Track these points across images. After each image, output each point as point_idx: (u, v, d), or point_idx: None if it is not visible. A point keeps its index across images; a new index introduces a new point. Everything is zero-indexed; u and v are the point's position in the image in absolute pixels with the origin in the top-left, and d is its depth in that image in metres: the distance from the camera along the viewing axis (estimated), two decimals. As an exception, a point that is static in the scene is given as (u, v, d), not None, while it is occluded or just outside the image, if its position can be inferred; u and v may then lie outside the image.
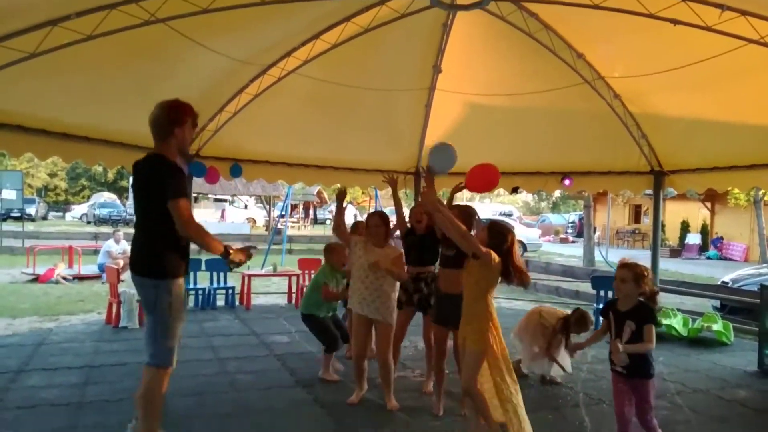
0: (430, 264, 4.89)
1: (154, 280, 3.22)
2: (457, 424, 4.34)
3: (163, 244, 3.22)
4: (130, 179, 35.05)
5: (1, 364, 5.44)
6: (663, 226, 22.96)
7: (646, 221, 29.09)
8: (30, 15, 4.48)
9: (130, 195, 35.99)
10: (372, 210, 27.12)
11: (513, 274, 3.70)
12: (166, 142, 3.33)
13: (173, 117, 3.37)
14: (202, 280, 8.95)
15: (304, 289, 9.41)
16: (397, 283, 4.60)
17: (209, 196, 31.16)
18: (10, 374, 5.15)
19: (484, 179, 4.60)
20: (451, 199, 5.20)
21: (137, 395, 3.30)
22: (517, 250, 3.83)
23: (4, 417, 4.16)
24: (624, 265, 3.71)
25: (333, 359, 5.39)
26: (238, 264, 3.34)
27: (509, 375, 3.74)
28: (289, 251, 18.63)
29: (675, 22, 5.11)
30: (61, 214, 41.46)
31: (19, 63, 4.79)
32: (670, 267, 17.99)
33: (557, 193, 26.19)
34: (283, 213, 18.26)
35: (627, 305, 3.62)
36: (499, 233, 3.74)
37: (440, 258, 4.58)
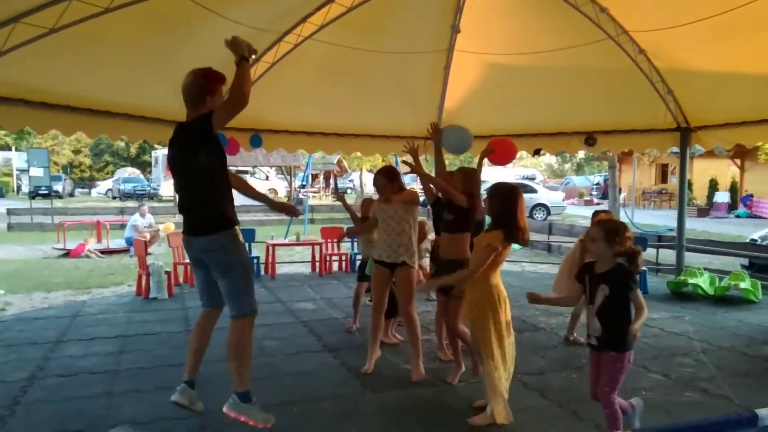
0: None
1: (220, 234, 3.33)
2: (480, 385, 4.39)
3: (218, 198, 3.36)
4: (154, 153, 35.33)
5: (40, 335, 5.65)
6: (690, 184, 22.56)
7: (673, 181, 28.57)
8: (47, -11, 4.50)
9: (153, 169, 36.51)
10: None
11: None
12: (198, 111, 3.36)
13: (206, 85, 3.40)
14: (228, 250, 9.08)
15: (329, 258, 9.58)
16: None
17: (230, 168, 31.27)
18: (50, 344, 5.35)
19: (500, 153, 4.77)
20: (480, 163, 5.11)
21: (230, 347, 3.44)
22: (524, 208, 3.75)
23: (47, 384, 4.34)
24: (596, 222, 3.45)
25: (393, 325, 5.53)
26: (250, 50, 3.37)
27: (501, 356, 3.66)
28: (311, 221, 18.75)
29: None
30: (86, 190, 42.30)
31: (40, 39, 4.82)
32: (697, 226, 17.73)
33: (581, 154, 25.75)
34: (304, 183, 18.33)
35: (603, 267, 3.20)
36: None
37: (441, 223, 4.45)
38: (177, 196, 3.59)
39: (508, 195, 3.69)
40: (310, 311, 6.80)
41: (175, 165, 3.47)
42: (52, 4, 4.61)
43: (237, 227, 3.45)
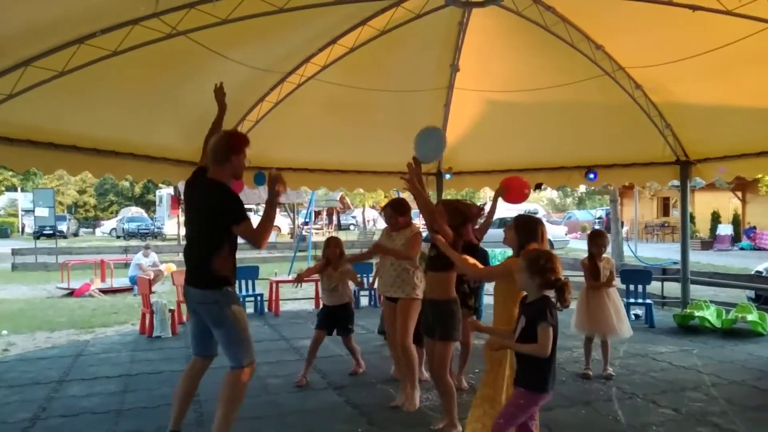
0: None
1: (214, 291, 3.46)
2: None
3: (218, 257, 3.46)
4: (158, 192, 35.60)
5: (43, 375, 5.61)
6: (692, 217, 22.57)
7: (675, 214, 28.58)
8: (58, 34, 4.63)
9: (157, 208, 36.71)
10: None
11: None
12: (222, 167, 3.54)
13: (233, 145, 3.59)
14: (231, 287, 9.07)
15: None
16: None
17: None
18: (53, 384, 5.30)
19: (514, 191, 4.81)
20: (494, 203, 5.26)
21: (222, 394, 3.52)
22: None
23: (50, 425, 4.30)
24: (522, 252, 3.25)
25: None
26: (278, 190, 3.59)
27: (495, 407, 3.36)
28: (315, 257, 18.75)
29: (694, 8, 5.05)
30: (91, 229, 42.48)
31: (50, 81, 4.95)
32: (701, 259, 17.67)
33: (582, 189, 25.89)
34: (307, 220, 18.41)
35: (529, 298, 3.07)
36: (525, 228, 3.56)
37: (425, 260, 4.30)
38: (185, 236, 3.75)
39: (529, 225, 3.58)
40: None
41: (190, 209, 3.71)
42: (62, 48, 4.75)
43: (231, 288, 3.58)
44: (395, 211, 4.77)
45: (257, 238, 3.44)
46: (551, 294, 3.02)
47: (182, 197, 3.78)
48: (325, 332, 5.44)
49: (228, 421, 3.46)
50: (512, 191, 5.01)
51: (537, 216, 3.96)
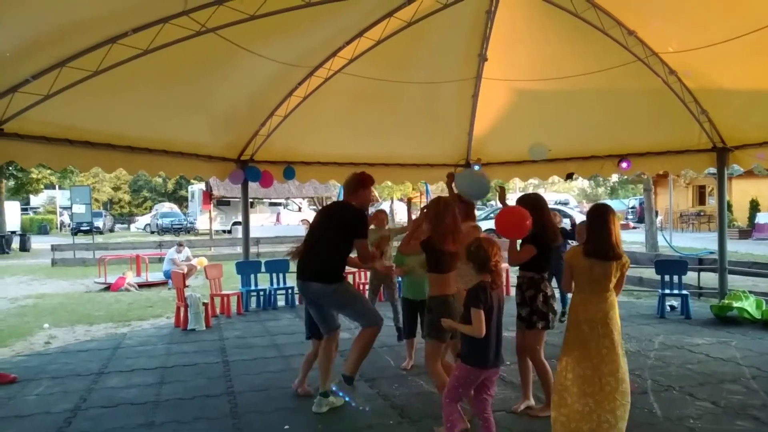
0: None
1: (334, 284, 4.32)
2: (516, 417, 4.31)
3: (340, 258, 4.44)
4: (190, 188, 36.02)
5: (83, 367, 5.77)
6: (730, 206, 21.92)
7: (712, 202, 27.84)
8: (91, 34, 4.74)
9: (190, 203, 37.33)
10: (423, 205, 26.99)
11: None
12: (353, 197, 4.56)
13: (361, 182, 4.59)
14: (263, 281, 9.19)
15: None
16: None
17: (264, 200, 31.86)
18: (92, 376, 5.46)
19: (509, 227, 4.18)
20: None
21: (356, 341, 4.43)
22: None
23: (90, 415, 4.43)
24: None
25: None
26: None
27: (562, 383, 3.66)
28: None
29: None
30: (126, 225, 43.45)
31: (84, 81, 5.07)
32: (740, 248, 17.17)
33: (614, 178, 25.38)
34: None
35: (471, 284, 3.40)
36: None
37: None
38: (306, 241, 4.56)
39: (591, 212, 3.79)
40: (346, 340, 6.71)
41: (320, 221, 4.60)
42: (95, 48, 4.86)
43: (345, 280, 4.53)
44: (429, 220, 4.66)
45: (365, 256, 4.48)
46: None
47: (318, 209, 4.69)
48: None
49: (359, 360, 4.36)
50: (510, 229, 4.17)
51: (607, 205, 3.92)
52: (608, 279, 3.55)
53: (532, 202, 4.23)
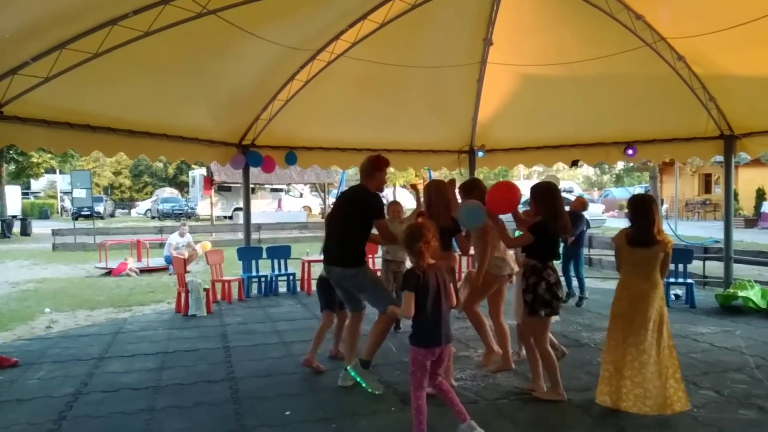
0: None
1: (355, 268, 4.52)
2: (519, 402, 4.29)
3: (359, 243, 4.58)
4: (191, 173, 36.00)
5: (84, 352, 5.76)
6: (736, 194, 21.79)
7: (718, 191, 27.71)
8: (91, 16, 4.66)
9: (191, 189, 37.30)
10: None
11: None
12: (369, 180, 4.67)
13: (376, 165, 4.70)
14: (264, 267, 9.16)
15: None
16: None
17: (266, 186, 31.80)
18: (93, 361, 5.45)
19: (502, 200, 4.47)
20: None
21: (372, 328, 4.60)
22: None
23: (92, 399, 4.42)
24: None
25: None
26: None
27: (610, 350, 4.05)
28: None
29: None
30: (126, 210, 43.49)
31: (85, 63, 5.00)
32: (745, 237, 17.11)
33: (620, 165, 25.18)
34: (338, 199, 18.38)
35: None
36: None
37: None
38: (327, 228, 4.89)
39: (633, 203, 4.14)
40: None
41: (340, 207, 4.82)
42: (95, 30, 4.78)
43: (366, 264, 4.67)
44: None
45: (387, 236, 4.69)
46: None
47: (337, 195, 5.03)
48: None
49: (375, 345, 4.55)
50: (497, 204, 4.50)
51: (649, 195, 4.45)
52: (650, 263, 3.96)
53: (541, 190, 4.33)
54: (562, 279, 8.27)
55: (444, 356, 3.61)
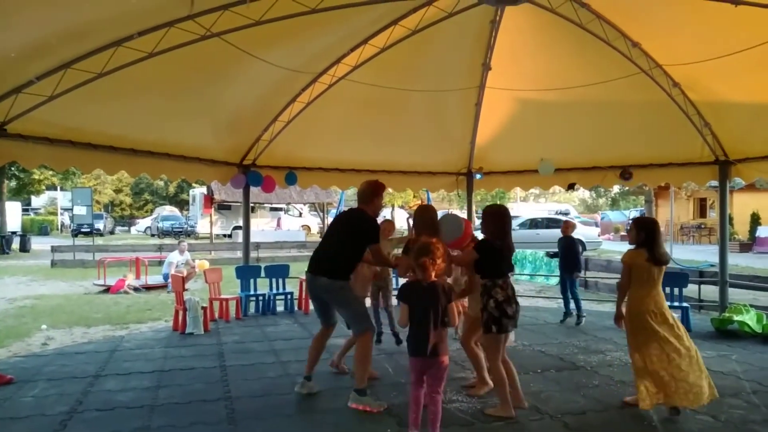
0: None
1: (342, 281, 4.67)
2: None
3: (352, 261, 4.77)
4: (191, 192, 36.14)
5: (80, 370, 5.75)
6: (731, 219, 21.85)
7: (713, 215, 27.80)
8: (97, 36, 4.75)
9: (191, 207, 37.39)
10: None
11: None
12: (367, 205, 4.86)
13: (374, 191, 4.89)
14: (262, 286, 9.17)
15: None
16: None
17: (265, 205, 31.89)
18: (89, 378, 5.43)
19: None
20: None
21: (354, 356, 4.77)
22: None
23: (86, 418, 4.40)
24: None
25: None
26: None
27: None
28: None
29: (736, 2, 4.89)
30: (126, 228, 43.51)
31: (89, 83, 5.08)
32: (740, 262, 17.15)
33: (616, 189, 25.34)
34: (337, 219, 18.42)
35: None
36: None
37: None
38: (321, 242, 5.07)
39: (648, 226, 4.54)
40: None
41: (337, 226, 5.01)
42: (99, 51, 4.87)
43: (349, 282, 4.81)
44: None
45: (380, 259, 4.85)
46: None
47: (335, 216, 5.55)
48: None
49: (362, 374, 4.61)
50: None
51: (652, 218, 5.01)
52: (660, 278, 4.44)
53: (491, 211, 4.65)
54: (560, 301, 8.40)
55: (439, 370, 3.74)
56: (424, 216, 4.89)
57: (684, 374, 4.27)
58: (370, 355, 4.73)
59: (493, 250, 4.43)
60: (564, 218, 25.53)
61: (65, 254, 19.06)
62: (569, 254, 8.24)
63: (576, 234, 8.69)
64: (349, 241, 4.72)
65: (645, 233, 4.45)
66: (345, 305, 4.76)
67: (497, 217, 4.55)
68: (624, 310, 4.56)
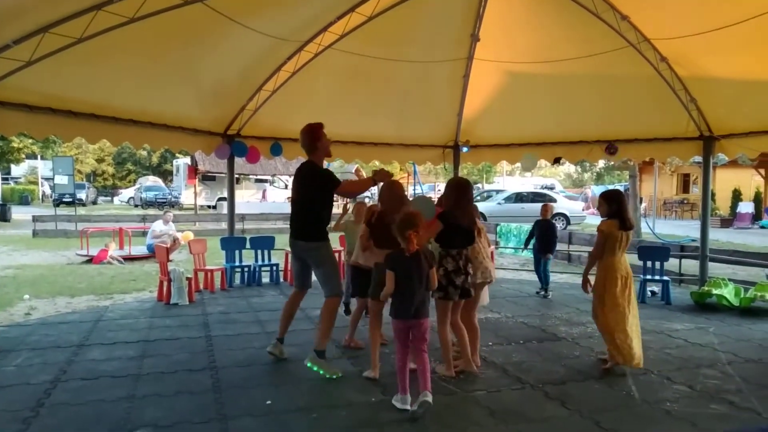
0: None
1: (316, 242, 4.75)
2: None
3: (320, 217, 4.80)
4: (175, 162, 35.69)
5: (64, 339, 5.73)
6: (713, 194, 22.18)
7: (695, 191, 28.15)
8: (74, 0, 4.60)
9: (175, 178, 37.01)
10: (411, 186, 27.03)
11: None
12: (313, 153, 4.87)
13: (314, 137, 4.89)
14: (248, 257, 9.15)
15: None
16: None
17: (250, 176, 31.63)
18: (73, 348, 5.42)
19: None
20: None
21: (321, 316, 4.83)
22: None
23: (70, 387, 4.40)
24: None
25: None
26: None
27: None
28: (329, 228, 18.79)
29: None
30: (109, 198, 43.01)
31: (68, 48, 4.95)
32: (721, 237, 17.43)
33: (601, 164, 25.43)
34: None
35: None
36: None
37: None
38: (292, 206, 5.04)
39: (617, 197, 4.95)
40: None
41: (296, 187, 4.94)
42: (79, 15, 4.73)
43: (328, 241, 4.83)
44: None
45: (349, 190, 5.25)
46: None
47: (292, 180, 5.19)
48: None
49: (326, 334, 4.76)
50: None
51: (617, 189, 5.24)
52: (628, 243, 4.87)
53: (452, 183, 4.91)
54: (534, 276, 8.54)
55: (423, 330, 3.99)
56: (393, 191, 4.88)
57: (630, 339, 4.77)
58: (334, 319, 4.80)
59: (450, 222, 4.59)
60: (549, 193, 25.72)
61: (47, 224, 18.81)
62: (545, 237, 8.35)
63: (561, 208, 8.80)
64: (310, 199, 4.77)
65: (616, 204, 4.87)
66: (319, 265, 4.85)
67: (456, 189, 4.73)
68: (594, 277, 4.95)
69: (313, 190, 4.76)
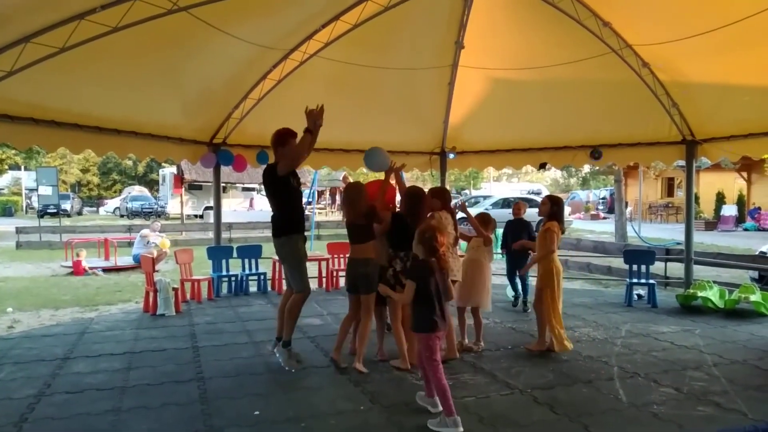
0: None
1: (278, 238, 4.98)
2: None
3: (284, 214, 5.03)
4: (161, 171, 35.61)
5: (48, 352, 5.64)
6: (697, 198, 22.45)
7: (680, 194, 28.46)
8: (58, 9, 4.58)
9: (161, 187, 36.81)
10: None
11: None
12: (283, 157, 4.98)
13: (279, 140, 5.03)
14: (235, 267, 9.10)
15: (335, 273, 9.56)
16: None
17: (237, 185, 31.51)
18: (57, 361, 5.34)
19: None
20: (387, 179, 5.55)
21: (287, 309, 5.09)
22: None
23: (55, 401, 4.33)
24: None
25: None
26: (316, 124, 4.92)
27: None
28: (318, 237, 18.80)
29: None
30: (94, 208, 42.54)
31: (51, 58, 4.90)
32: (705, 239, 17.63)
33: (586, 169, 25.70)
34: (310, 200, 18.37)
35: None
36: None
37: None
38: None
39: (558, 202, 5.61)
40: (317, 326, 6.78)
41: (266, 189, 5.15)
42: (61, 24, 4.70)
43: (295, 235, 5.03)
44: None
45: (296, 154, 4.87)
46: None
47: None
48: None
49: (290, 326, 5.11)
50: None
51: (557, 195, 5.84)
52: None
53: (410, 192, 5.22)
54: (509, 284, 7.97)
55: (438, 342, 4.05)
56: (356, 192, 5.10)
57: (563, 329, 5.46)
58: (299, 312, 5.08)
59: (402, 225, 5.00)
60: (536, 198, 25.87)
61: (31, 235, 18.57)
62: (518, 238, 7.27)
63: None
64: (275, 199, 5.02)
65: (557, 207, 5.50)
66: (283, 261, 5.16)
67: (411, 198, 5.12)
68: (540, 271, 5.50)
69: (268, 188, 5.05)
